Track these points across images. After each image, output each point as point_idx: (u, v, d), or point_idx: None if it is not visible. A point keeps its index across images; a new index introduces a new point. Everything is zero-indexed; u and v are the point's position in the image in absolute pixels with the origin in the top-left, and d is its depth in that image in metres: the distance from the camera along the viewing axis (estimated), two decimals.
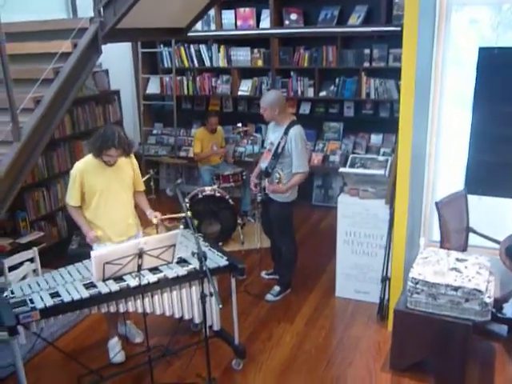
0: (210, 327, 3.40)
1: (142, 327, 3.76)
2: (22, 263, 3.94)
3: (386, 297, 3.92)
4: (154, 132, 7.05)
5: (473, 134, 4.42)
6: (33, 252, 4.01)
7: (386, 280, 3.91)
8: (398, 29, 3.87)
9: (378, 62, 5.65)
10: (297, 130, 3.95)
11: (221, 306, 2.62)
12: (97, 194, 3.36)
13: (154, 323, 3.87)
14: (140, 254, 2.74)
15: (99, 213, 3.42)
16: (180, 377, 3.41)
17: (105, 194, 3.37)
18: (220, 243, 5.26)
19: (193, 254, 2.81)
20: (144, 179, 5.75)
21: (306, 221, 5.93)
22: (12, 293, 2.88)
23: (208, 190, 5.25)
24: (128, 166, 3.49)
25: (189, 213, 2.98)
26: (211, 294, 2.90)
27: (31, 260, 4.03)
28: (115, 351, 3.55)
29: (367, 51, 5.66)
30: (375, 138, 5.99)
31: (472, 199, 4.56)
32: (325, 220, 5.91)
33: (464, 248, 4.08)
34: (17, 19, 4.13)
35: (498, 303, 3.71)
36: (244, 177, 5.60)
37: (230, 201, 5.23)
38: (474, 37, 4.67)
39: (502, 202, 4.47)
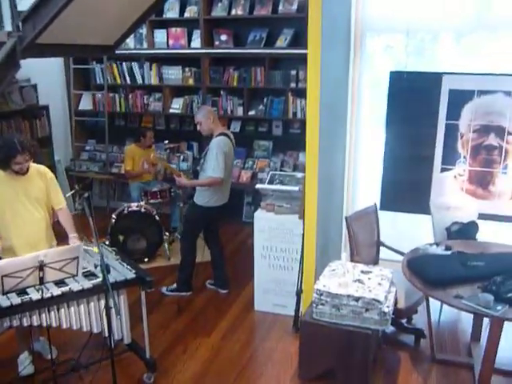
0: (121, 340, 3.41)
1: (56, 342, 3.76)
2: None
3: (301, 309, 4.04)
4: (87, 148, 7.02)
5: (386, 154, 4.68)
6: None
7: (300, 293, 4.03)
8: None
9: (304, 83, 5.82)
10: (216, 140, 4.29)
11: (119, 316, 2.65)
12: (3, 205, 3.33)
13: (68, 338, 3.85)
14: (41, 267, 2.75)
15: (6, 224, 3.38)
16: None
17: (11, 205, 3.34)
18: (146, 259, 5.28)
19: (95, 266, 2.84)
20: (68, 195, 5.74)
21: (234, 237, 6.02)
22: None
23: (134, 205, 5.27)
24: (39, 179, 3.45)
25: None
26: (118, 307, 2.92)
27: None
28: (24, 365, 3.50)
29: (293, 72, 5.86)
30: (303, 156, 6.16)
31: (388, 214, 4.80)
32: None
33: (376, 261, 4.27)
34: None
35: (404, 314, 3.89)
36: (172, 193, 5.65)
37: (156, 217, 5.26)
38: (390, 62, 4.95)
39: (416, 217, 4.72)
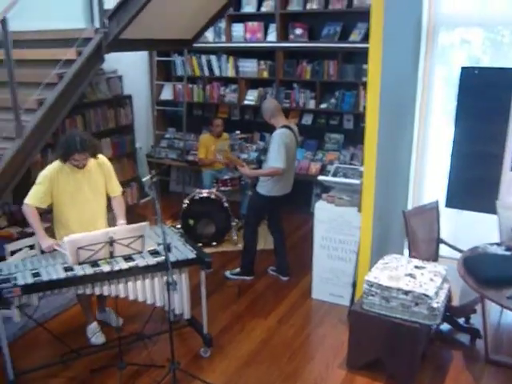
0: (182, 315, 3.70)
1: (123, 314, 4.11)
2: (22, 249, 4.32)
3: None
4: (167, 136, 7.43)
5: (454, 150, 4.62)
6: (33, 239, 4.37)
7: (355, 284, 4.12)
8: None
9: None
10: (278, 132, 4.47)
11: (175, 291, 2.91)
12: (66, 195, 3.53)
13: (136, 312, 4.21)
14: (110, 242, 3.06)
15: (68, 213, 3.60)
16: (153, 360, 3.70)
17: (74, 195, 3.55)
18: (214, 243, 5.57)
19: (158, 244, 3.11)
20: (145, 179, 6.14)
21: (301, 227, 6.17)
22: (0, 271, 3.24)
23: (205, 192, 5.56)
24: (98, 170, 3.66)
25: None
26: (175, 283, 3.18)
27: (32, 246, 4.40)
28: (94, 334, 3.87)
29: (366, 66, 5.85)
30: None
31: (453, 212, 4.75)
32: None
33: (435, 258, 4.25)
34: (38, 27, 4.56)
35: (459, 312, 3.87)
36: (242, 182, 5.88)
37: (225, 203, 5.52)
38: (465, 57, 4.86)
39: (482, 216, 4.62)
